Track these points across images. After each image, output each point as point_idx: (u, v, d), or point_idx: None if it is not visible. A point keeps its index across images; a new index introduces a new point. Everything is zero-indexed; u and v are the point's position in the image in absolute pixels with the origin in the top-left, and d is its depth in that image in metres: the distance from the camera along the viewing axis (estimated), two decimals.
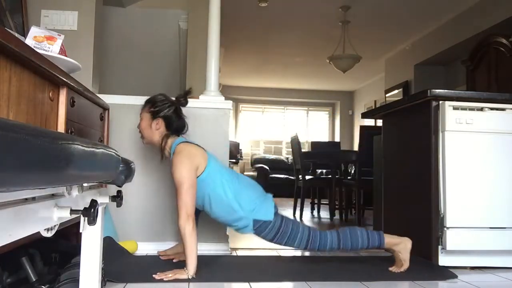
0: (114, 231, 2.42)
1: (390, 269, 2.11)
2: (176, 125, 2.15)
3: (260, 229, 2.04)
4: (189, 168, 1.97)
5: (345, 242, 2.08)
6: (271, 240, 2.09)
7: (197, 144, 2.15)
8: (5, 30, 1.11)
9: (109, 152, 0.93)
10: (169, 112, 2.13)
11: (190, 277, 1.84)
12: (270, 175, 8.33)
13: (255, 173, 8.41)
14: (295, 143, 5.00)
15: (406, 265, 2.09)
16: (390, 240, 2.10)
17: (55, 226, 0.92)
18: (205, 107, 2.64)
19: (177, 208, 1.97)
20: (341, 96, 10.08)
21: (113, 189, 1.88)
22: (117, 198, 1.16)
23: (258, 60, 7.76)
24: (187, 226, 1.91)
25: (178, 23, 4.08)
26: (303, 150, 5.78)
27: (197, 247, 1.93)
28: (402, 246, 2.10)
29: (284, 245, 2.11)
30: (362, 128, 4.61)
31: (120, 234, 2.49)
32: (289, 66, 8.08)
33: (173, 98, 2.21)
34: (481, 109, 2.29)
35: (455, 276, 2.03)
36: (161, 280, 1.82)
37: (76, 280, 1.35)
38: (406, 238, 2.12)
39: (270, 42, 6.70)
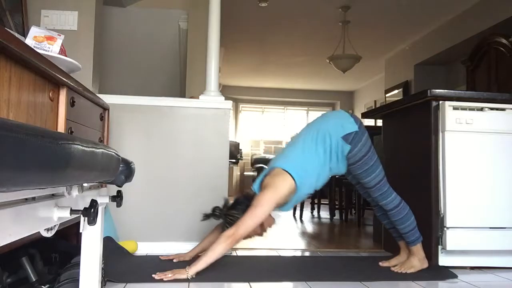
0: (114, 231, 2.42)
1: (393, 268, 2.14)
2: (244, 203, 2.07)
3: (355, 141, 2.07)
4: (274, 199, 1.97)
5: (401, 211, 2.16)
6: (356, 162, 2.08)
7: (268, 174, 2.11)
8: (5, 30, 1.11)
9: (109, 152, 0.93)
10: (233, 211, 2.06)
11: (189, 277, 1.84)
12: None
13: (255, 173, 8.40)
14: None
15: (413, 270, 2.12)
16: (420, 247, 2.18)
17: (55, 226, 0.92)
18: (205, 107, 2.64)
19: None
20: (341, 96, 10.09)
21: (113, 189, 1.88)
22: (117, 198, 1.16)
23: (258, 60, 7.76)
24: (226, 239, 1.89)
25: (178, 23, 4.08)
26: None
27: (216, 258, 1.91)
28: (421, 258, 2.17)
29: (360, 173, 2.12)
30: None
31: (120, 234, 2.49)
32: (289, 66, 8.08)
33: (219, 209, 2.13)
34: (481, 109, 2.29)
35: (455, 276, 2.03)
36: (161, 280, 1.82)
37: (76, 280, 1.35)
38: (426, 260, 2.18)
39: (270, 42, 6.70)
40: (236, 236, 1.90)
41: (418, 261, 2.16)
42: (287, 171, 2.03)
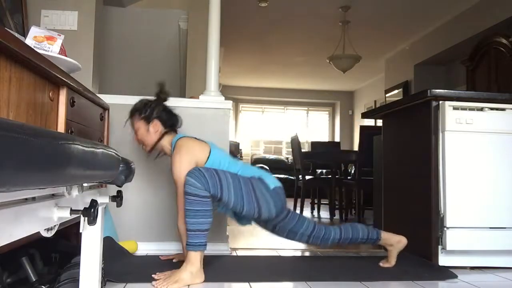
0: (114, 231, 2.42)
1: (380, 263, 2.21)
2: (170, 121, 2.16)
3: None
4: (188, 164, 1.96)
5: (346, 233, 2.14)
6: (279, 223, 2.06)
7: (197, 138, 2.14)
8: (5, 30, 1.11)
9: (109, 152, 0.93)
10: (159, 110, 2.12)
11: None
12: None
13: None
14: (295, 143, 5.01)
15: (392, 262, 2.18)
16: (386, 236, 2.20)
17: (55, 226, 0.92)
18: (205, 107, 2.64)
19: (177, 208, 1.99)
20: (341, 96, 10.09)
21: (113, 189, 1.88)
22: (117, 198, 1.16)
23: (258, 60, 7.76)
24: (184, 228, 1.92)
25: (178, 23, 4.08)
26: (303, 150, 5.78)
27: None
28: (394, 242, 2.19)
29: (288, 233, 2.10)
30: (362, 128, 4.62)
31: (120, 234, 2.49)
32: (289, 66, 8.08)
33: (153, 98, 2.18)
34: (481, 109, 2.29)
35: (455, 276, 2.03)
36: None
37: (76, 280, 1.35)
38: (402, 237, 2.20)
39: (270, 42, 6.70)
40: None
41: (394, 249, 2.19)
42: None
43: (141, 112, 2.11)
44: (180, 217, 1.97)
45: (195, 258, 1.80)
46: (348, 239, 2.14)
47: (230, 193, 1.86)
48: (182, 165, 1.95)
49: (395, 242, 2.19)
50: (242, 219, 2.07)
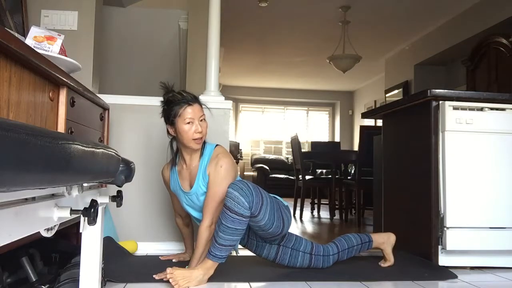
0: (114, 231, 2.42)
1: (380, 263, 2.23)
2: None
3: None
4: (233, 177, 1.96)
5: (341, 244, 2.14)
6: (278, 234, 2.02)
7: None
8: (5, 30, 1.11)
9: (109, 152, 0.93)
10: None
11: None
12: (270, 175, 8.34)
13: (255, 173, 8.40)
14: (295, 143, 5.01)
15: (391, 260, 2.20)
16: (375, 237, 2.22)
17: (55, 226, 0.93)
18: (205, 107, 2.64)
19: (203, 210, 1.95)
20: (341, 96, 10.09)
21: (113, 189, 1.88)
22: (117, 198, 1.16)
23: (258, 60, 7.76)
24: (207, 232, 1.91)
25: (178, 23, 4.08)
26: (303, 150, 5.78)
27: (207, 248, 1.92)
28: (386, 240, 2.22)
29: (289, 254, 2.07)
30: (362, 128, 4.62)
31: (120, 234, 2.49)
32: (289, 66, 8.08)
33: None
34: (481, 109, 2.29)
35: (455, 276, 2.03)
36: (161, 280, 1.82)
37: (76, 280, 1.35)
38: (389, 233, 2.24)
39: (270, 42, 6.70)
40: (213, 225, 1.90)
41: (387, 246, 2.21)
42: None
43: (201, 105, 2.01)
44: (203, 221, 1.93)
45: (213, 267, 1.81)
46: (346, 250, 2.13)
47: (266, 212, 1.82)
48: (230, 179, 1.93)
49: (386, 239, 2.22)
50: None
